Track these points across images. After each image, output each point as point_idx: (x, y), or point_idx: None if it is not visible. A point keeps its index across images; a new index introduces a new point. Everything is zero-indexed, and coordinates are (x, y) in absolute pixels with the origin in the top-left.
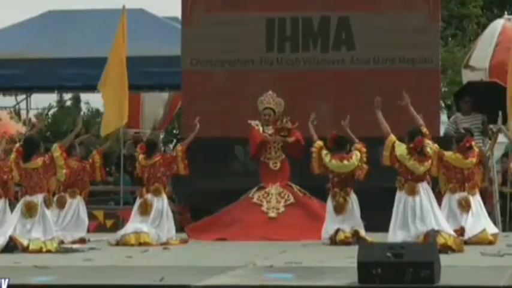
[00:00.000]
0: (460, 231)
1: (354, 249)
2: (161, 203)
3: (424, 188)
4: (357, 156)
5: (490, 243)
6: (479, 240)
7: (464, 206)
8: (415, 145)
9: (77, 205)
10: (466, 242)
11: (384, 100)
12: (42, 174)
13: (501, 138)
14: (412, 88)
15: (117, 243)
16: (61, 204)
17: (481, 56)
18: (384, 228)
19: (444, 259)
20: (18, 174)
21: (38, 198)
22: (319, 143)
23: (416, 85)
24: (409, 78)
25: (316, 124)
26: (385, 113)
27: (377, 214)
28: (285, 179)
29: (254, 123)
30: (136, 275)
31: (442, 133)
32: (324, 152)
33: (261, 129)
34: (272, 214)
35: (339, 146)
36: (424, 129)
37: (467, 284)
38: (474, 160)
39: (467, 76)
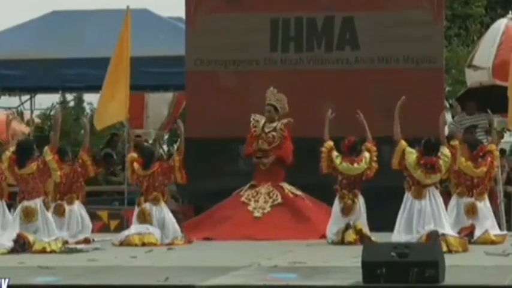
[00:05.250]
0: (471, 229)
1: (358, 249)
2: (160, 212)
3: (431, 193)
4: (366, 159)
5: (493, 243)
6: (483, 241)
7: (471, 212)
8: (425, 162)
9: (78, 211)
10: (470, 242)
11: (387, 99)
12: (38, 178)
13: (505, 137)
14: (416, 87)
15: (121, 244)
16: (60, 213)
17: (484, 56)
18: (389, 227)
19: (449, 259)
20: (15, 180)
21: (37, 202)
22: (330, 143)
23: (421, 84)
24: (413, 77)
25: (320, 124)
26: (389, 112)
27: (382, 213)
28: (277, 179)
29: (257, 117)
30: (140, 275)
31: (446, 133)
32: (335, 153)
33: (261, 124)
34: (257, 214)
35: (352, 150)
36: (456, 142)
37: (472, 284)
38: (485, 169)
39: (471, 75)
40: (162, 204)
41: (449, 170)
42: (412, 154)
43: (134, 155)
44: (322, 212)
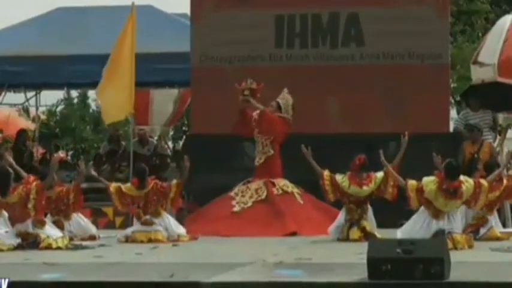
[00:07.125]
0: (475, 226)
1: (363, 246)
2: (162, 222)
3: (451, 216)
4: (376, 179)
5: (498, 239)
6: (488, 238)
7: (480, 223)
8: (447, 186)
9: (77, 223)
10: (475, 239)
11: (393, 96)
12: (22, 204)
13: (510, 134)
14: (421, 84)
15: (127, 240)
16: (59, 227)
17: (489, 52)
18: (394, 224)
19: (454, 255)
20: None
21: (28, 225)
22: (327, 173)
23: (426, 81)
24: (419, 74)
25: (325, 121)
26: (394, 109)
27: (387, 210)
28: (273, 175)
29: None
30: (146, 272)
31: (451, 129)
32: (339, 178)
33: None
34: (237, 208)
35: (362, 168)
36: (485, 183)
37: (477, 280)
38: (498, 193)
39: (476, 72)
40: (163, 214)
41: (468, 203)
42: (430, 183)
43: (114, 184)
44: (311, 210)
